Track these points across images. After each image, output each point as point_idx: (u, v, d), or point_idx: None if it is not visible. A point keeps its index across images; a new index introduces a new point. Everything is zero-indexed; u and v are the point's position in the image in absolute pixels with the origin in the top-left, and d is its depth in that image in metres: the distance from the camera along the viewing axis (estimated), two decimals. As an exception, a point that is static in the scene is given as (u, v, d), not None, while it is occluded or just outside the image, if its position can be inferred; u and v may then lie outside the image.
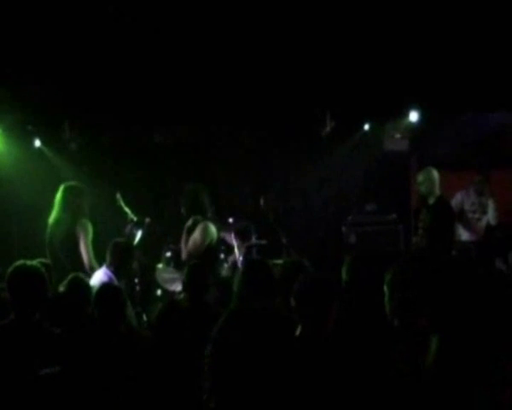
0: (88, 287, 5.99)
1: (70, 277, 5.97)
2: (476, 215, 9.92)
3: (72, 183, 7.96)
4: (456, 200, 9.89)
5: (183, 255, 7.72)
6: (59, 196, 7.80)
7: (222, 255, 8.75)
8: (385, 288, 4.42)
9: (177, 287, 8.04)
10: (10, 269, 5.02)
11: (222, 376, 2.49)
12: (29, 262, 5.14)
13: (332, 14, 7.77)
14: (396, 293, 4.34)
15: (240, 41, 8.03)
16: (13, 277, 4.88)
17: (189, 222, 7.68)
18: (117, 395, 4.18)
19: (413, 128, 10.33)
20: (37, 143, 10.01)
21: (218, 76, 8.66)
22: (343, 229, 10.41)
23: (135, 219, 8.09)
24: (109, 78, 8.59)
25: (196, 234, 7.58)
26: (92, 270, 7.24)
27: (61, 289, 5.97)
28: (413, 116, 9.88)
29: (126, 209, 8.25)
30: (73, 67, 8.33)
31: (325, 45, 8.26)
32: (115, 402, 4.22)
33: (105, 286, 5.73)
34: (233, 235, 9.04)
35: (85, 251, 7.53)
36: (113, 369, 4.43)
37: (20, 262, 5.23)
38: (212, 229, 7.65)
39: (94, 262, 7.48)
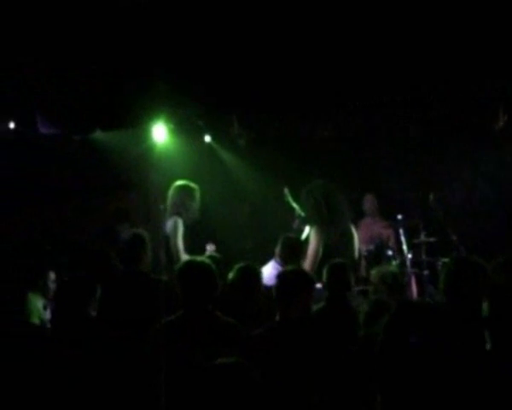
0: (258, 276, 5.98)
1: (239, 265, 5.97)
2: None
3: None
4: None
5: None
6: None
7: (390, 252, 8.58)
8: None
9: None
10: (180, 265, 5.14)
11: (392, 374, 2.37)
12: (198, 258, 5.27)
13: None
14: None
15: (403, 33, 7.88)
16: (183, 272, 5.01)
17: None
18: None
19: None
20: (207, 138, 10.21)
21: (385, 66, 8.52)
22: (520, 227, 9.99)
23: (303, 214, 8.03)
24: (276, 73, 8.64)
25: None
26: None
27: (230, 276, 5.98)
28: None
29: (294, 204, 8.24)
30: (242, 64, 8.44)
31: (497, 37, 7.95)
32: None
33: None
34: (401, 232, 8.85)
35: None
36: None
37: (189, 258, 5.38)
38: None
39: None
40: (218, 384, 3.03)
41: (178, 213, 7.61)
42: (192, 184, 7.82)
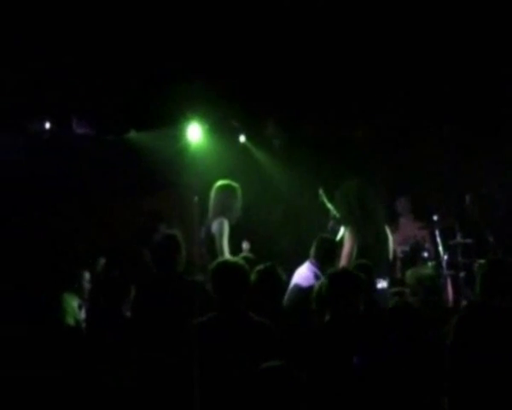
0: (278, 278, 5.93)
1: (259, 267, 5.92)
2: None
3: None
4: None
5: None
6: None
7: (426, 254, 8.51)
8: None
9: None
10: (213, 266, 5.13)
11: (461, 372, 2.34)
12: (231, 259, 5.26)
13: None
14: None
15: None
16: (216, 273, 5.00)
17: None
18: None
19: None
20: (242, 138, 10.20)
21: (420, 67, 8.45)
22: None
23: (337, 215, 7.97)
24: (312, 74, 8.60)
25: None
26: None
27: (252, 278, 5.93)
28: None
29: (329, 205, 8.19)
30: (278, 64, 8.41)
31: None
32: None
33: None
34: (437, 233, 8.77)
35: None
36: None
37: (222, 259, 5.37)
38: None
39: None
40: (267, 388, 3.02)
41: (223, 214, 7.57)
42: (234, 184, 7.77)
